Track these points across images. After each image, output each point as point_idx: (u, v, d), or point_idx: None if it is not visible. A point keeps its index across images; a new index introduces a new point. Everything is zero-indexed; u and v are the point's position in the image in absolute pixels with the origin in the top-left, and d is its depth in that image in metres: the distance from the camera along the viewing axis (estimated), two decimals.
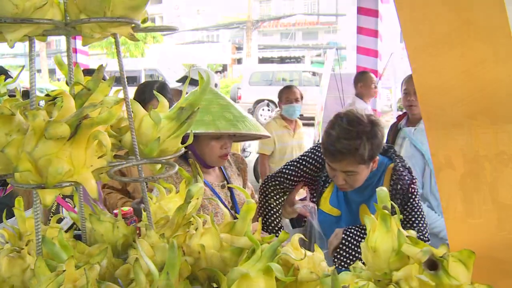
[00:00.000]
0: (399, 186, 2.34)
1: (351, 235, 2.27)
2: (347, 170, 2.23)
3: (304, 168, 2.52)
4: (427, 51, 1.29)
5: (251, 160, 8.97)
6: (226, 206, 2.43)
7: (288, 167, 2.55)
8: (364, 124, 2.20)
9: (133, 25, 1.19)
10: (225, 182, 2.59)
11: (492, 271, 1.37)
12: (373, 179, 2.41)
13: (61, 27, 1.13)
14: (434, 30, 1.25)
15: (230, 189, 2.57)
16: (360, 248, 2.21)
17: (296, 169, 2.52)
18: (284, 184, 2.53)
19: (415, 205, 2.36)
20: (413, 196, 2.36)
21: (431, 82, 1.33)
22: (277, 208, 2.53)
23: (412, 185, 2.36)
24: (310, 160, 2.52)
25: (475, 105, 1.28)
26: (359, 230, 2.28)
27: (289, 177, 2.52)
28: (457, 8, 1.18)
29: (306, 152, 2.58)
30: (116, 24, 1.16)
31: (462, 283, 1.14)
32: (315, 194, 2.54)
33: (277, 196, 2.54)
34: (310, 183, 2.59)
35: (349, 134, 2.17)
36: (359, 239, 2.25)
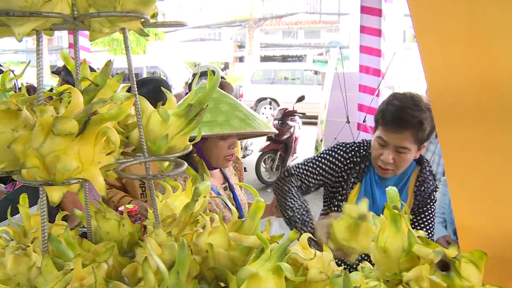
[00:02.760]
0: (422, 189, 2.34)
1: None
2: (401, 146, 2.17)
3: (326, 169, 2.40)
4: (440, 49, 1.27)
5: (253, 158, 8.97)
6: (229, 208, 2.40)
7: (307, 167, 2.42)
8: (426, 103, 2.18)
9: (142, 20, 1.18)
10: (226, 184, 2.57)
11: (503, 271, 1.35)
12: (401, 180, 2.40)
13: (70, 21, 1.11)
14: (447, 27, 1.23)
15: (232, 190, 2.55)
16: None
17: (317, 170, 2.41)
18: (303, 185, 2.40)
19: (431, 211, 2.37)
20: (432, 203, 2.36)
21: (442, 80, 1.32)
22: (297, 196, 2.35)
23: (434, 192, 2.37)
24: (334, 160, 2.41)
25: (486, 102, 1.27)
26: None
27: (308, 178, 2.40)
28: (472, 4, 1.17)
29: (327, 150, 2.46)
30: (126, 18, 1.14)
31: (474, 285, 1.13)
32: (339, 198, 2.44)
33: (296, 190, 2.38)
34: (328, 185, 2.48)
35: (417, 106, 2.14)
36: None
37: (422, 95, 2.23)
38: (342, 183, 2.43)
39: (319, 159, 2.42)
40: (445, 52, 1.26)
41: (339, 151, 2.42)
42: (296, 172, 2.40)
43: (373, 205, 2.36)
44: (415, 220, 2.38)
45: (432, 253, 1.16)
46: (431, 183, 2.36)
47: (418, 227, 2.34)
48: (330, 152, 2.43)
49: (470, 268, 1.15)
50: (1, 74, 1.40)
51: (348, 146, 2.44)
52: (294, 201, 2.26)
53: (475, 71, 1.23)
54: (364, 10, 6.85)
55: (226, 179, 2.60)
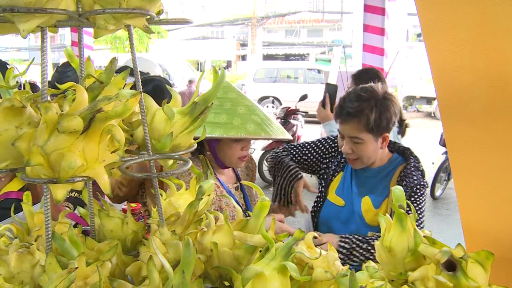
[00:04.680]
0: (404, 183, 2.34)
1: (345, 245, 2.26)
2: (354, 136, 2.31)
3: (312, 151, 2.63)
4: (448, 49, 1.26)
5: (255, 157, 8.96)
6: (241, 207, 2.40)
7: (298, 146, 2.67)
8: (377, 94, 2.30)
9: (148, 16, 1.17)
10: (238, 183, 2.57)
11: (509, 272, 1.34)
12: (381, 173, 2.45)
13: (75, 17, 1.11)
14: (455, 27, 1.22)
15: (243, 190, 2.55)
16: (351, 258, 2.21)
17: (304, 150, 2.64)
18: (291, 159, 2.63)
19: (417, 202, 2.34)
20: (416, 195, 2.33)
21: (450, 79, 1.31)
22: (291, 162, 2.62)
23: (419, 186, 2.34)
24: (320, 146, 2.64)
25: (494, 102, 1.26)
26: (354, 241, 2.27)
27: (296, 154, 2.64)
28: (481, 3, 1.15)
29: (319, 138, 2.71)
30: (131, 15, 1.13)
31: (480, 285, 1.12)
32: (323, 184, 2.58)
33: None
34: (313, 170, 2.68)
35: (360, 98, 2.29)
36: (352, 250, 2.25)
37: (377, 86, 2.37)
38: (327, 170, 2.61)
39: (310, 143, 2.68)
40: (453, 52, 1.25)
41: (328, 140, 2.67)
42: (287, 151, 2.66)
43: (351, 195, 2.48)
44: None
45: (438, 253, 1.15)
46: (414, 178, 2.35)
47: None
48: (320, 140, 2.69)
49: (476, 268, 1.14)
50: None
51: (334, 138, 2.65)
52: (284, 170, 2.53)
53: (483, 70, 1.22)
54: (367, 8, 6.82)
55: (238, 179, 2.61)
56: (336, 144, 2.61)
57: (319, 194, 2.58)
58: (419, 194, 2.34)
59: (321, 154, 2.62)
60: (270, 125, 2.30)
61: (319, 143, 2.64)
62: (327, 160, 2.62)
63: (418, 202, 2.34)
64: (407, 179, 2.34)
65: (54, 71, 3.59)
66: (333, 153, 2.61)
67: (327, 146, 2.62)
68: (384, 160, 2.45)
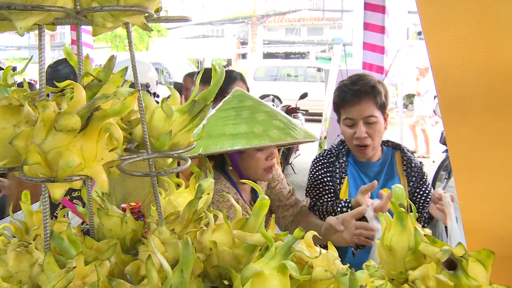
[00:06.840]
0: (413, 165, 2.44)
1: None
2: (368, 116, 2.30)
3: (324, 185, 2.50)
4: (448, 46, 1.25)
5: None
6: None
7: (311, 193, 2.54)
8: (371, 76, 2.40)
9: (146, 14, 1.16)
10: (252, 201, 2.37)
11: (510, 271, 1.33)
12: (385, 164, 2.50)
13: (73, 15, 1.10)
14: (457, 25, 1.21)
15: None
16: None
17: (317, 191, 2.52)
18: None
19: (428, 183, 2.45)
20: (425, 176, 2.46)
21: (450, 77, 1.30)
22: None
23: (422, 167, 2.47)
24: (320, 172, 2.52)
25: (495, 100, 1.25)
26: None
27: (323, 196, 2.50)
28: (483, 2, 1.15)
29: (312, 166, 2.57)
30: (129, 13, 1.12)
31: (481, 284, 1.11)
32: (333, 196, 2.49)
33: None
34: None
35: (362, 78, 2.35)
36: None
37: (368, 72, 2.54)
38: (333, 179, 2.51)
39: (314, 182, 2.54)
40: (454, 49, 1.24)
41: (321, 159, 2.57)
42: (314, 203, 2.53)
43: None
44: (423, 197, 2.43)
45: (439, 252, 1.14)
46: (417, 160, 2.48)
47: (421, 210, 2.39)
48: (316, 165, 2.56)
49: (477, 267, 1.13)
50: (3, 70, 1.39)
51: (322, 153, 2.59)
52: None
53: (484, 68, 1.21)
54: (368, 7, 6.81)
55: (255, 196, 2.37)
56: (328, 157, 2.52)
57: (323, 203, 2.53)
58: (427, 176, 2.48)
59: (328, 176, 2.49)
60: (295, 128, 2.11)
61: (316, 172, 2.52)
62: (333, 178, 2.48)
63: (428, 181, 2.47)
64: (413, 162, 2.46)
65: (47, 67, 3.62)
66: (331, 161, 2.51)
67: (323, 163, 2.52)
68: (380, 153, 2.51)
